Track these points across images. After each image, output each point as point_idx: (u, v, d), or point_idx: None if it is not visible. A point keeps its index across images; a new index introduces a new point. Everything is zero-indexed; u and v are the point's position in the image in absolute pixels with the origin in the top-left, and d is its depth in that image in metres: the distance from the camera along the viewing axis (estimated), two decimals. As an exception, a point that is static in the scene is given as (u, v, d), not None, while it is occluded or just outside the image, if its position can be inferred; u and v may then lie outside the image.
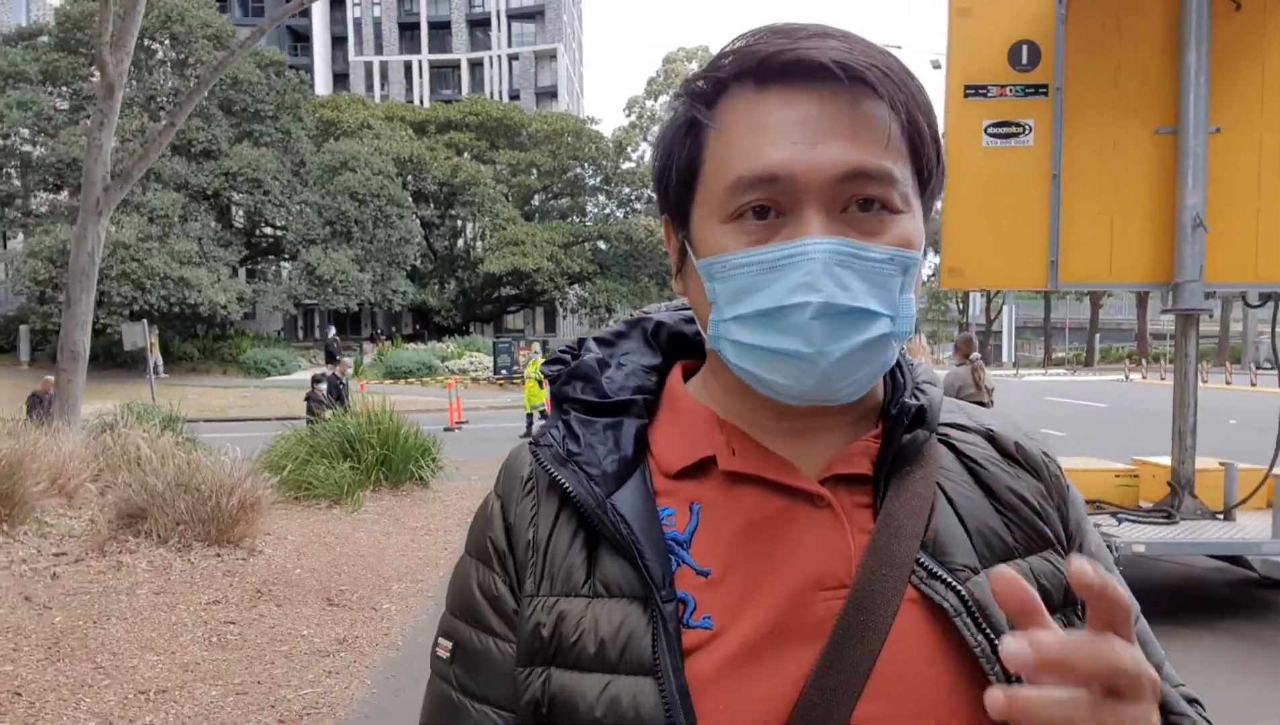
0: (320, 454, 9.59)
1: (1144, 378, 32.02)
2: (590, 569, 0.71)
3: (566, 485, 0.73)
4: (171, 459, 7.37)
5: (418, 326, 52.20)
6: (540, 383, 14.42)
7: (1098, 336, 55.63)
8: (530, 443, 0.79)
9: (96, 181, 10.67)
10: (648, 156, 52.44)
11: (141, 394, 17.75)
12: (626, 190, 52.69)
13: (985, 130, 5.83)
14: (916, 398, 0.76)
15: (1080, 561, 0.54)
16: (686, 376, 0.83)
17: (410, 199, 40.35)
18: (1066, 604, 0.74)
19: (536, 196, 54.07)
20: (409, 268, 40.58)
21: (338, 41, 72.90)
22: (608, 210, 54.46)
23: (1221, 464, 5.81)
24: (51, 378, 14.84)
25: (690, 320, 0.84)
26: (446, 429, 17.55)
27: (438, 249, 49.64)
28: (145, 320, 19.34)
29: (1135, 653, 0.55)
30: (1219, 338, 45.52)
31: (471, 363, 34.09)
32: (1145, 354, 46.48)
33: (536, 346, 33.32)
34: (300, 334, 50.16)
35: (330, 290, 35.60)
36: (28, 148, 32.48)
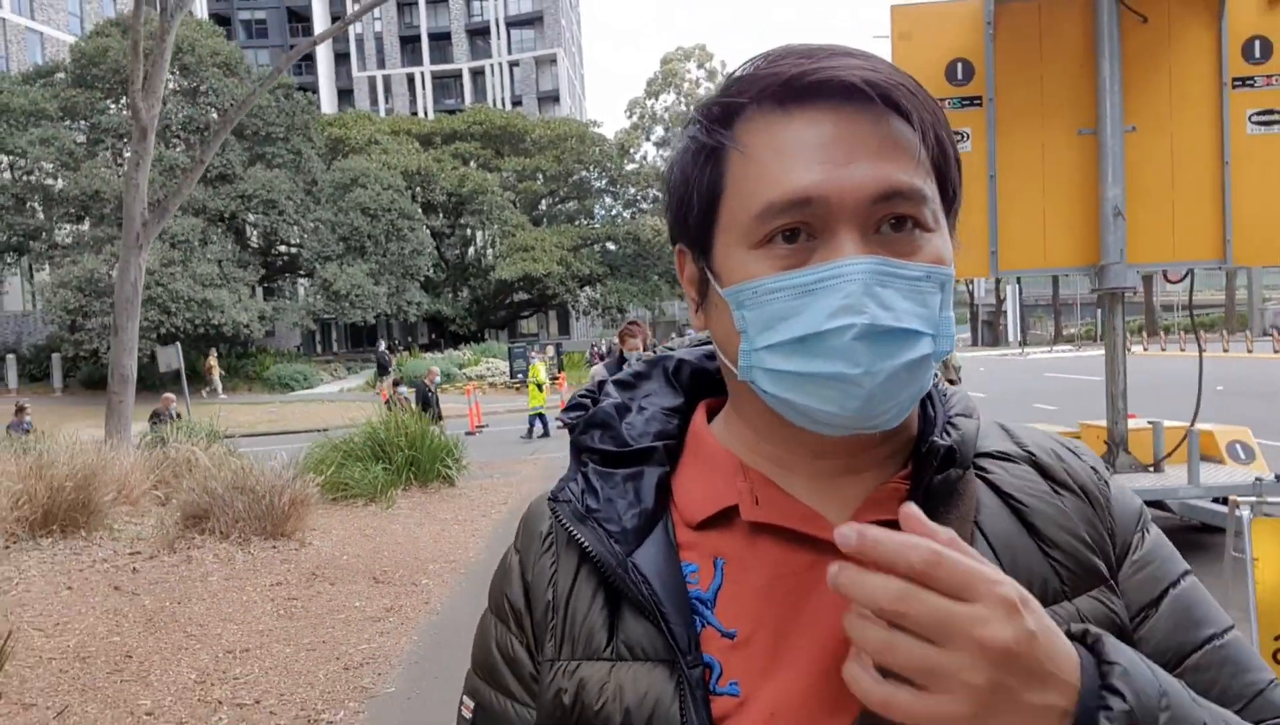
0: (355, 457, 10.47)
1: (1145, 350, 32.59)
2: (612, 630, 0.69)
3: (585, 544, 0.71)
4: (226, 466, 8.24)
5: (433, 336, 53.15)
6: (540, 387, 15.14)
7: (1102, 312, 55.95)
8: (549, 498, 0.77)
9: (136, 217, 11.60)
10: (651, 156, 53.26)
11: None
12: (632, 191, 53.45)
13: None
14: (948, 434, 0.72)
15: (840, 530, 0.56)
16: (710, 415, 0.80)
17: (420, 211, 41.34)
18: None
19: (543, 201, 54.90)
20: (422, 278, 41.54)
21: (340, 58, 74.03)
22: (614, 211, 55.26)
23: (1150, 423, 6.57)
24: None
25: (713, 356, 0.82)
26: (468, 433, 18.39)
27: (449, 258, 50.55)
28: (178, 343, 20.28)
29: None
30: (1225, 307, 45.92)
31: (488, 368, 34.97)
32: (1152, 327, 46.91)
33: (551, 350, 34.33)
34: (318, 348, 51.23)
35: (347, 304, 36.58)
36: (49, 181, 33.61)
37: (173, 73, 35.64)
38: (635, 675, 0.68)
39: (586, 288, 50.92)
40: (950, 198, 0.70)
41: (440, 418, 13.74)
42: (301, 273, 40.07)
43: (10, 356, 34.23)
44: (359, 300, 36.77)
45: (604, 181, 54.57)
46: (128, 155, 25.19)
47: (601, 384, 0.82)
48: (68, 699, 4.35)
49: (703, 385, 0.82)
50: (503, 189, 49.06)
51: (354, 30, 72.65)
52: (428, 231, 41.78)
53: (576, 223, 53.49)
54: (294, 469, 8.33)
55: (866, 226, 0.65)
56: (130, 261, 11.68)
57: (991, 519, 0.72)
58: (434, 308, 45.85)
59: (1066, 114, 6.44)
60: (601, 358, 26.58)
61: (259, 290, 39.28)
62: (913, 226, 0.66)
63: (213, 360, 32.76)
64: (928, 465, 0.71)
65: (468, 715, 0.78)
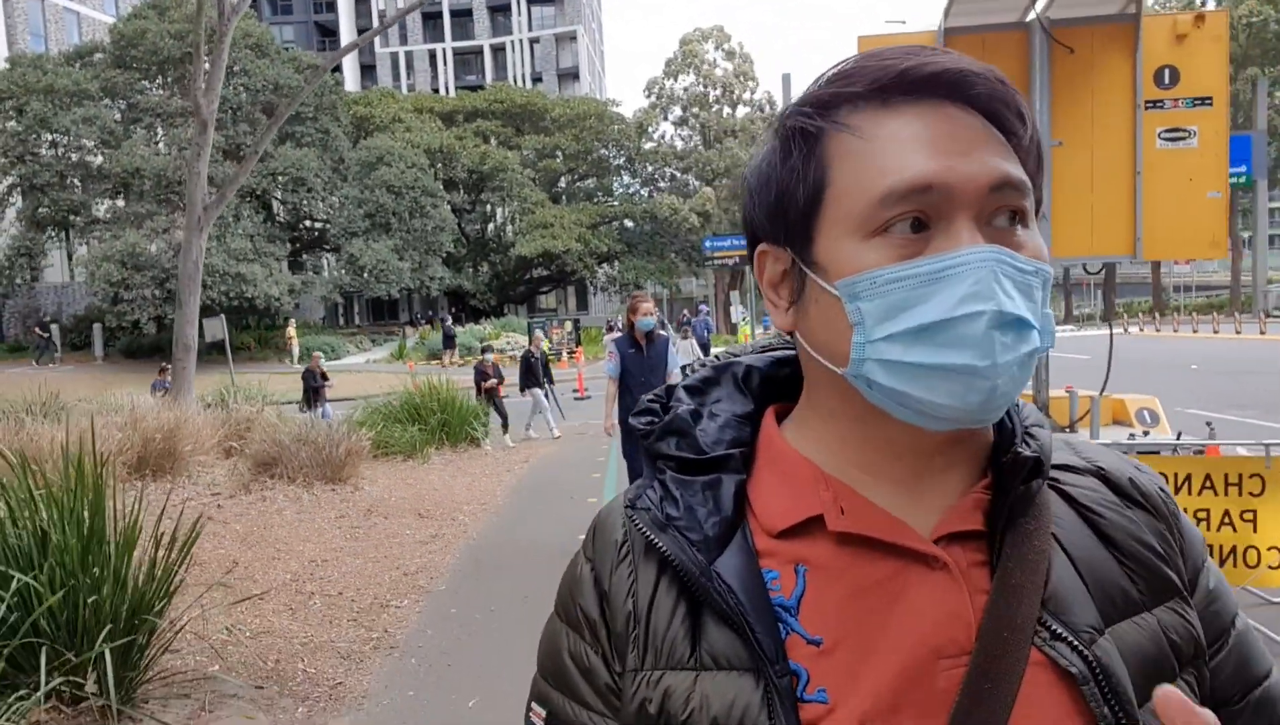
0: (394, 419, 11.83)
1: (1140, 331, 33.61)
2: (695, 640, 0.69)
3: (667, 553, 0.71)
4: (290, 422, 9.59)
5: (454, 310, 54.52)
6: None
7: (1115, 293, 56.76)
8: (625, 505, 0.76)
9: (197, 202, 12.92)
10: (669, 136, 54.18)
11: (210, 383, 20.19)
12: (650, 169, 54.37)
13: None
14: (1028, 444, 0.72)
15: (1165, 692, 0.57)
16: (778, 420, 0.79)
17: (442, 188, 42.58)
18: (1196, 656, 0.73)
19: (563, 179, 55.91)
20: (444, 254, 42.84)
21: (363, 35, 75.10)
22: (632, 189, 56.23)
23: (1067, 391, 7.80)
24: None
25: (782, 362, 0.82)
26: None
27: (470, 234, 51.78)
28: (222, 315, 21.68)
29: None
30: (1230, 290, 46.63)
31: (508, 342, 36.31)
32: (1160, 308, 47.69)
33: (568, 325, 35.66)
34: (341, 321, 52.75)
35: (372, 279, 37.98)
36: (90, 159, 35.07)
37: (206, 54, 37.00)
38: (721, 684, 0.67)
39: (604, 265, 52.00)
40: (1039, 196, 0.70)
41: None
42: (328, 248, 41.50)
43: (54, 327, 35.86)
44: (383, 275, 38.12)
45: (622, 160, 55.53)
46: (188, 147, 26.30)
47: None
48: (198, 589, 5.70)
49: (770, 393, 0.81)
50: (522, 166, 50.18)
51: (377, 6, 73.66)
52: (449, 208, 43.03)
53: (595, 200, 54.49)
54: (345, 427, 9.67)
55: (980, 218, 0.65)
56: (192, 242, 13.01)
57: (1068, 530, 0.72)
58: (455, 282, 47.18)
59: (1003, 130, 7.61)
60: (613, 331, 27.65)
61: (283, 264, 40.83)
62: (1018, 221, 0.67)
63: (292, 330, 34.60)
64: (1013, 476, 0.70)
65: (538, 723, 0.78)
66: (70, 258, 40.34)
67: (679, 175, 52.78)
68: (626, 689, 0.71)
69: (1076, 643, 0.67)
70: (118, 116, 35.42)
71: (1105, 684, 0.66)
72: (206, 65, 13.00)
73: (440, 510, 8.30)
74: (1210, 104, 7.31)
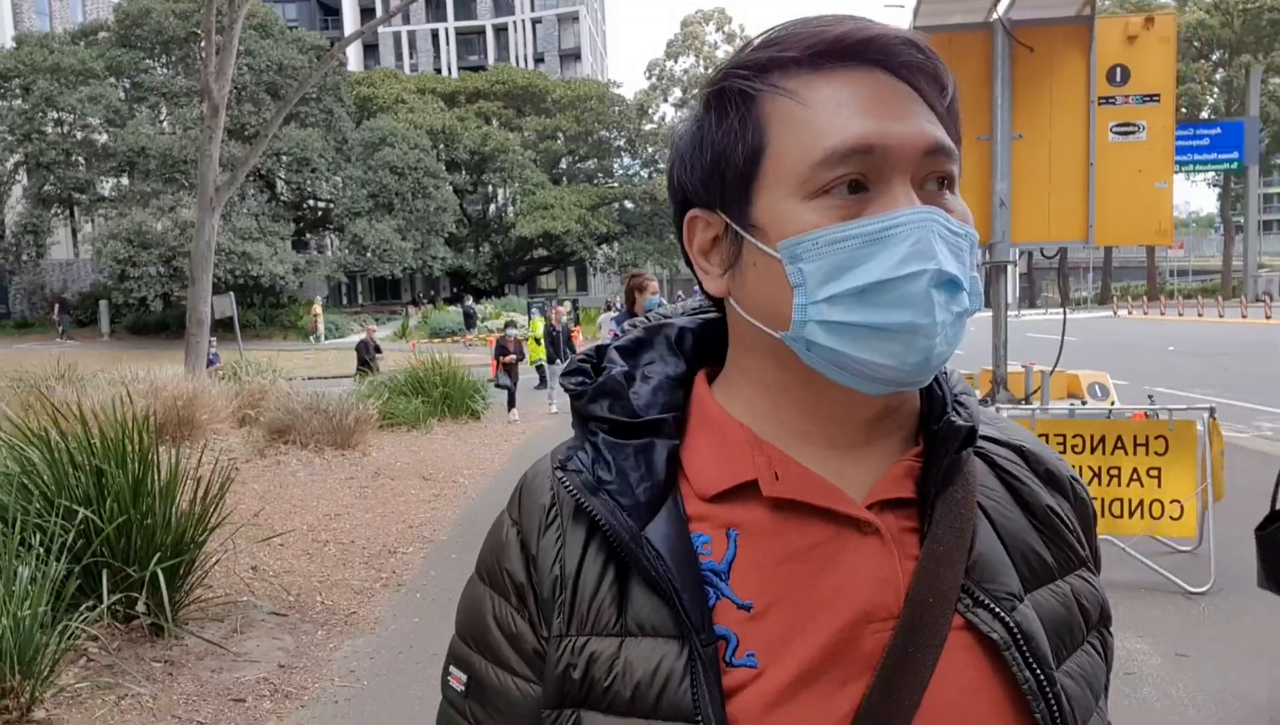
0: (399, 392, 12.43)
1: (1130, 313, 34.15)
2: (621, 606, 0.69)
3: (598, 517, 0.70)
4: (301, 392, 10.20)
5: (455, 290, 55.03)
6: (538, 340, 16.23)
7: (1112, 277, 57.29)
8: (555, 467, 0.75)
9: (209, 184, 13.46)
10: (669, 117, 54.56)
11: (222, 357, 20.83)
12: (650, 150, 54.79)
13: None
14: (958, 413, 0.73)
15: None
16: (710, 382, 0.79)
17: (444, 169, 43.05)
18: (1101, 621, 0.76)
19: (564, 160, 56.35)
20: (446, 234, 43.35)
21: (366, 13, 74.97)
22: (632, 171, 56.66)
23: (1023, 367, 8.39)
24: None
25: (712, 325, 0.81)
26: (489, 380, 20.35)
27: (471, 215, 52.23)
28: (231, 293, 22.27)
29: None
30: (1222, 275, 47.15)
31: (509, 322, 36.91)
32: (1154, 292, 48.22)
33: (568, 305, 36.21)
34: (344, 301, 53.32)
35: (375, 258, 38.53)
36: (96, 137, 35.56)
37: (218, 38, 37.39)
38: (645, 650, 0.67)
39: (604, 246, 52.53)
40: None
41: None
42: (332, 227, 42.03)
43: (61, 303, 36.43)
44: (387, 254, 38.65)
45: (623, 141, 55.94)
46: (193, 126, 26.69)
47: (602, 351, 0.80)
48: (224, 533, 6.31)
49: (703, 355, 0.81)
50: (524, 148, 50.61)
51: (380, -14, 73.82)
52: (451, 189, 43.51)
53: (595, 182, 54.96)
54: (353, 398, 10.27)
55: (914, 181, 0.66)
56: (205, 222, 13.56)
57: (993, 498, 0.74)
58: (457, 263, 47.71)
59: (969, 124, 8.14)
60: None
61: (287, 243, 41.40)
62: (946, 185, 0.68)
63: (318, 308, 35.39)
64: (944, 444, 0.72)
65: (459, 687, 0.77)
66: (75, 235, 40.91)
67: (671, 163, 53.04)
68: (551, 654, 0.71)
69: (998, 609, 0.69)
70: (122, 95, 35.90)
71: (1026, 648, 0.68)
72: (217, 50, 13.51)
73: (442, 474, 8.91)
74: (1158, 100, 7.88)
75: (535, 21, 73.06)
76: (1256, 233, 45.58)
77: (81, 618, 3.87)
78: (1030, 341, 25.09)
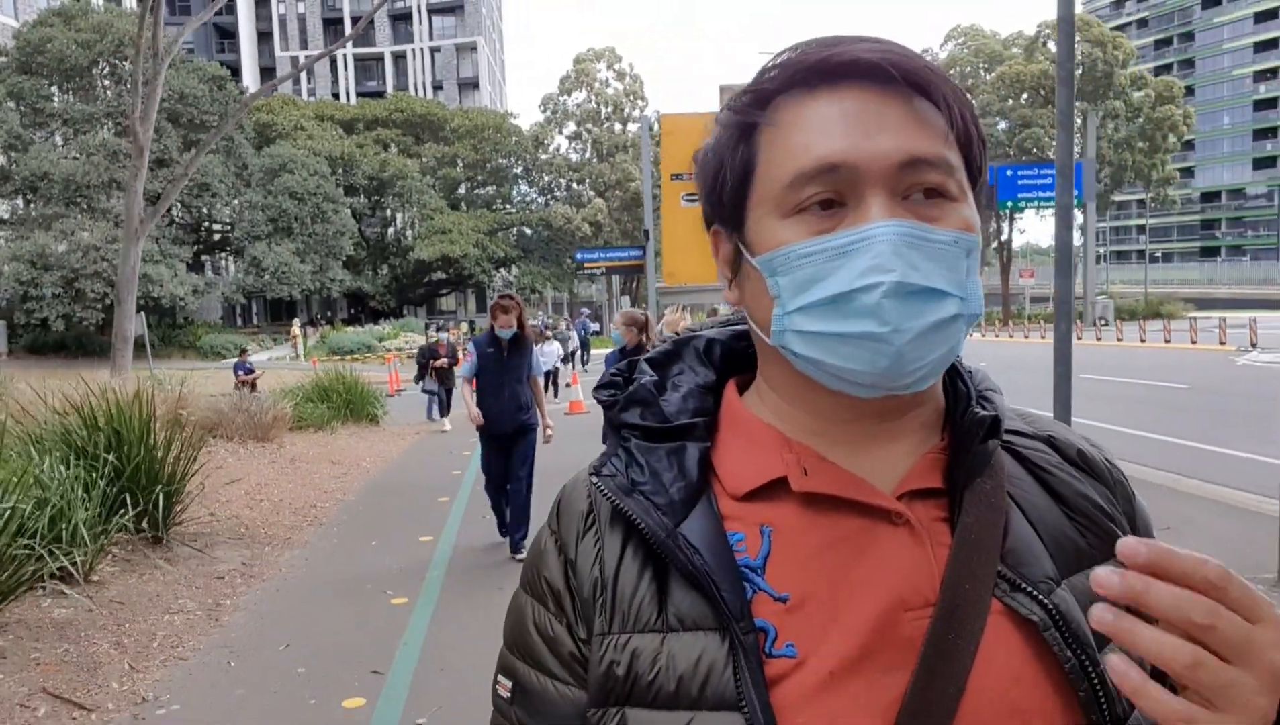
0: (307, 399, 14.36)
1: (981, 336, 37.99)
2: (662, 603, 0.71)
3: (633, 516, 0.72)
4: (228, 395, 12.09)
5: (353, 311, 56.07)
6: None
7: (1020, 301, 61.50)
8: (590, 473, 0.78)
9: (134, 215, 15.18)
10: (563, 149, 56.84)
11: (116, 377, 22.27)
12: (546, 179, 56.80)
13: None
14: (983, 407, 0.75)
15: (1128, 542, 0.54)
16: (740, 392, 0.81)
17: (343, 193, 44.48)
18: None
19: (462, 186, 57.83)
20: (344, 257, 44.71)
21: (263, 37, 75.47)
22: (530, 198, 58.58)
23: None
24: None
25: (741, 336, 0.84)
26: (388, 396, 22.28)
27: (370, 237, 53.41)
28: (142, 313, 23.60)
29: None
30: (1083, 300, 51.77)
31: (406, 342, 38.56)
32: (1008, 316, 52.49)
33: (465, 326, 38.12)
34: (239, 321, 53.85)
35: (275, 280, 39.75)
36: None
37: (111, 62, 38.25)
38: (687, 644, 0.69)
39: (501, 269, 54.22)
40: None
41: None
42: (230, 250, 43.05)
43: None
44: (285, 276, 39.92)
45: (520, 169, 57.81)
46: (95, 153, 27.68)
47: (633, 364, 0.84)
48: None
49: (732, 365, 0.84)
50: (422, 174, 52.15)
51: (277, 10, 74.39)
52: (349, 213, 44.92)
53: (493, 208, 56.55)
54: (271, 400, 12.22)
55: (895, 194, 0.67)
56: (129, 250, 15.25)
57: (1022, 488, 0.75)
58: (355, 285, 48.99)
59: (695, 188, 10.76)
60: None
61: (182, 266, 42.24)
62: (940, 196, 0.69)
63: (296, 328, 36.61)
64: (971, 436, 0.73)
65: (505, 694, 0.80)
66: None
67: (575, 186, 55.34)
68: (594, 653, 0.73)
69: (1036, 592, 0.69)
70: (19, 121, 36.45)
71: (1065, 629, 0.68)
72: (143, 99, 15.25)
73: (348, 459, 10.96)
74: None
75: (434, 50, 74.43)
76: (1094, 263, 50.43)
77: (115, 524, 5.91)
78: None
